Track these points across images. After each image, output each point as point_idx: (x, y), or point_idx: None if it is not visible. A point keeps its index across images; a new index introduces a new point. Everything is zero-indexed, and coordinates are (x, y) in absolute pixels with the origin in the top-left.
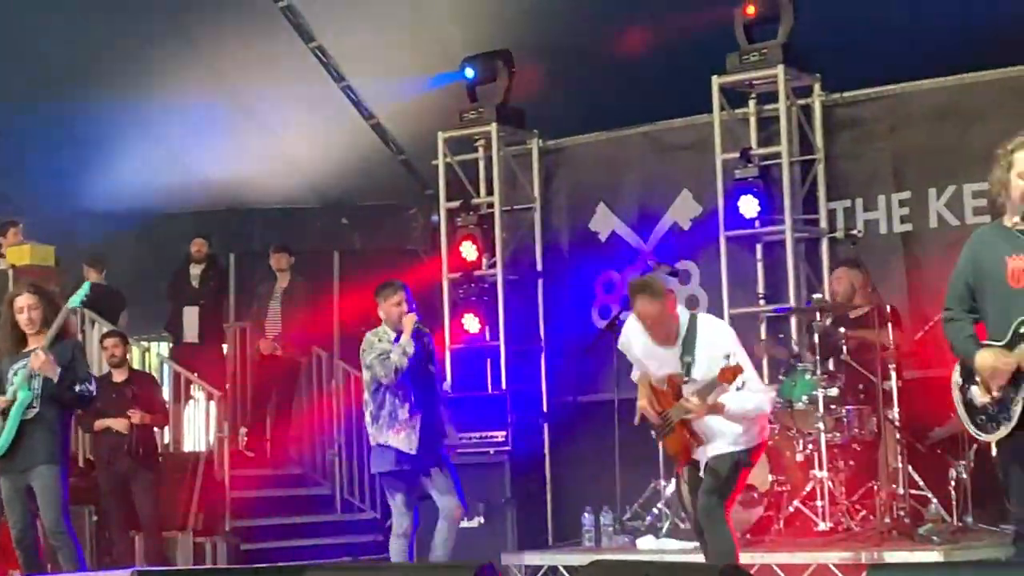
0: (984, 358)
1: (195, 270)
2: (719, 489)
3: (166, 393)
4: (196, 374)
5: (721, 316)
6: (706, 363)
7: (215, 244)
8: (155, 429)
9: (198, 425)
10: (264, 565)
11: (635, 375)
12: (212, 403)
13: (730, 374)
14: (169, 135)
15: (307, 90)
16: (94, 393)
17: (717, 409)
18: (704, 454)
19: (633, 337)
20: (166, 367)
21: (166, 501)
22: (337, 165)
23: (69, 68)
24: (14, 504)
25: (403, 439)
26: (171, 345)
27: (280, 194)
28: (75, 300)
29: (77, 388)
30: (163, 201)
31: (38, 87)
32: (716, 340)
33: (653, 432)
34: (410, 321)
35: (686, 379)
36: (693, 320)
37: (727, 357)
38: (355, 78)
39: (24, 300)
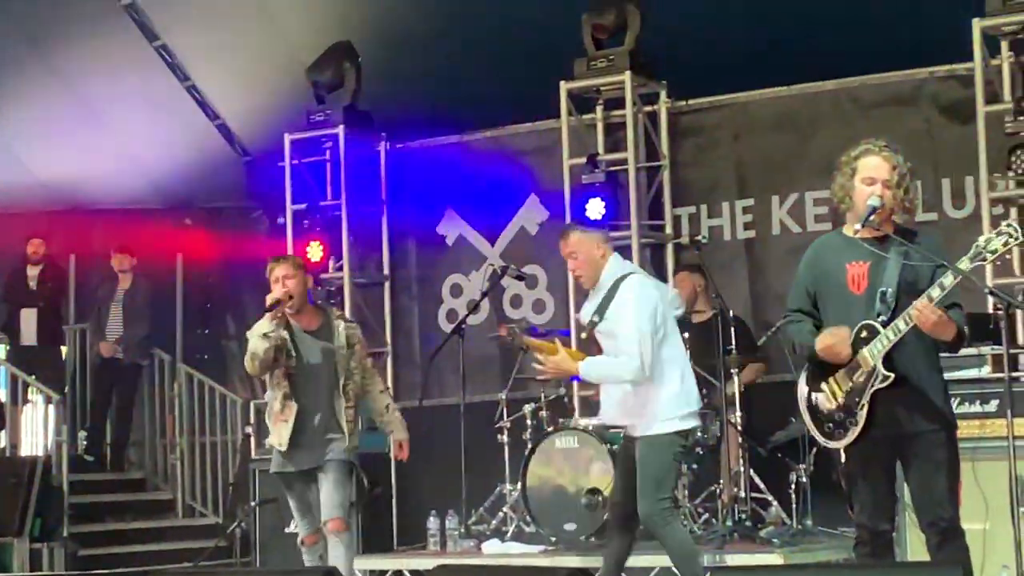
0: (822, 339)
1: (32, 271)
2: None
3: (2, 396)
4: (34, 377)
5: (568, 322)
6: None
7: (54, 245)
8: None
9: (36, 429)
10: (103, 571)
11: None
12: (51, 407)
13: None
14: (7, 133)
15: (151, 90)
16: None
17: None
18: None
19: None
20: (3, 369)
21: (2, 506)
22: (181, 166)
23: None
24: None
25: (275, 435)
26: (7, 347)
27: (122, 194)
28: None
29: None
30: (0, 200)
31: None
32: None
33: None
34: (270, 299)
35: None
36: (619, 281)
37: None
38: (200, 78)
39: None
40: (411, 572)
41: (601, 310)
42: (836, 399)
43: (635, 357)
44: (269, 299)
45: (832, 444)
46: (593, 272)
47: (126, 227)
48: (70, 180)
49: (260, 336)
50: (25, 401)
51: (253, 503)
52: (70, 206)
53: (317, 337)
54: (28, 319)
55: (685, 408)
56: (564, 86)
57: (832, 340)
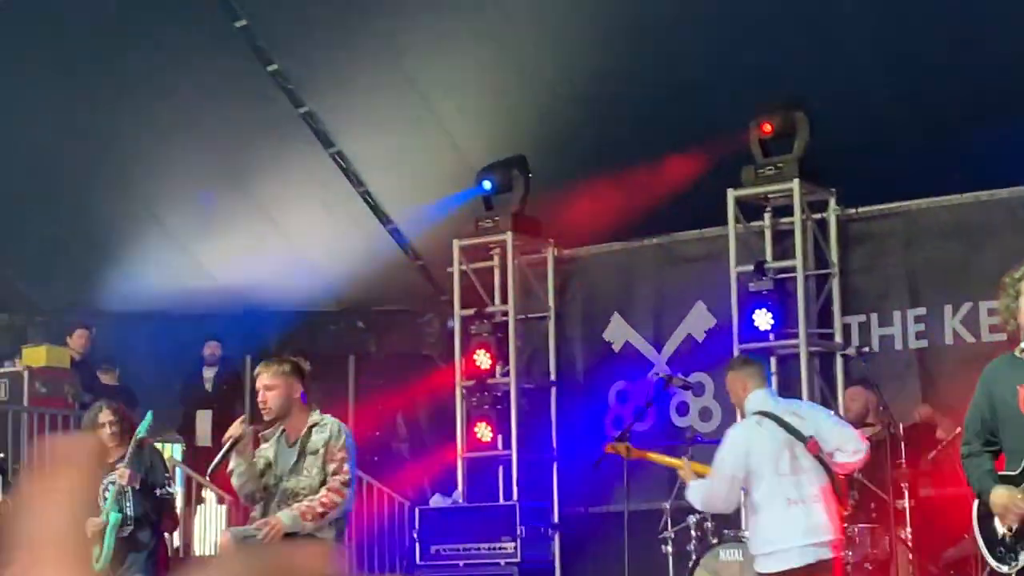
0: (998, 496)
1: (208, 373)
2: None
3: (178, 497)
4: (208, 477)
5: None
6: None
7: (230, 346)
8: (165, 533)
9: (210, 529)
10: None
11: None
12: (223, 507)
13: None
14: (187, 236)
15: (326, 194)
16: (173, 495)
17: None
18: None
19: None
20: (178, 470)
21: None
22: (354, 269)
23: (85, 168)
24: None
25: None
26: (183, 448)
27: (297, 297)
28: (141, 431)
29: (158, 492)
30: (179, 302)
31: (55, 186)
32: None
33: None
34: (226, 437)
35: None
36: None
37: None
38: (373, 184)
39: (106, 416)
40: None
41: None
42: (1007, 522)
43: (701, 488)
44: (226, 436)
45: (1004, 569)
46: (738, 406)
47: (300, 329)
48: (246, 282)
49: (230, 474)
50: (199, 501)
51: None
52: (246, 308)
53: (295, 448)
54: (203, 420)
55: (764, 548)
56: (731, 193)
57: (1008, 502)
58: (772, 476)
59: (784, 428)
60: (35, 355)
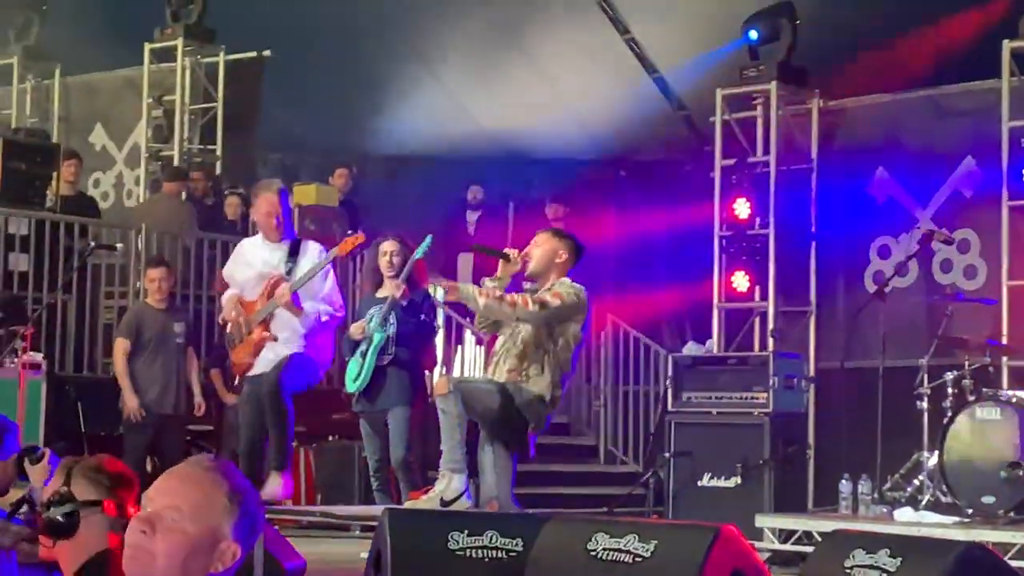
0: None
1: (471, 216)
2: None
3: (439, 336)
4: (468, 319)
5: (999, 288)
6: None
7: (493, 191)
8: (426, 372)
9: (469, 368)
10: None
11: (228, 297)
12: (480, 348)
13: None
14: (454, 81)
15: (591, 41)
16: (436, 328)
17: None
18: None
19: (248, 249)
20: (439, 311)
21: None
22: (617, 118)
23: (362, 16)
24: (372, 440)
25: None
26: (444, 291)
27: (560, 144)
28: (419, 252)
29: (422, 317)
30: (444, 147)
31: (327, 30)
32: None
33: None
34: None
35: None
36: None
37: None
38: (639, 31)
39: (389, 246)
40: (819, 534)
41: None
42: None
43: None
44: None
45: None
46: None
47: (562, 176)
48: (510, 129)
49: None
50: (459, 342)
51: (668, 454)
52: (510, 154)
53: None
54: (465, 264)
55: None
56: (1007, 44)
57: None
58: None
59: None
60: (305, 193)
